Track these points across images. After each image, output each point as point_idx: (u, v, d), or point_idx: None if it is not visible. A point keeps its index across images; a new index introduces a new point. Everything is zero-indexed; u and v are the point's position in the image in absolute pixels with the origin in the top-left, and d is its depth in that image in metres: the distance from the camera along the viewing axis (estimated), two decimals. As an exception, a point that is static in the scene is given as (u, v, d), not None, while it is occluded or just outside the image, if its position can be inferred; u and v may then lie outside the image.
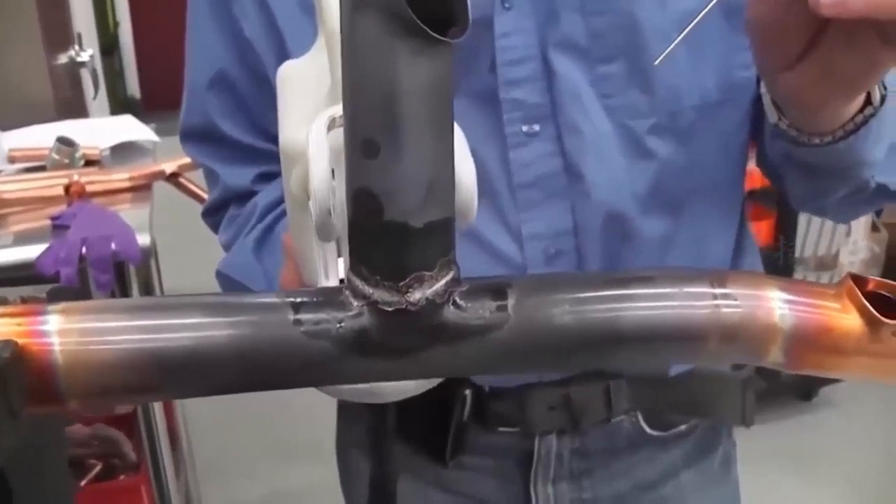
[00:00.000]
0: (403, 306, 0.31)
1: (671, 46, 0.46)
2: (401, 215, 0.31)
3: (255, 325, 0.32)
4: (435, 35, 0.29)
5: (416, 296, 0.31)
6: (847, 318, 0.37)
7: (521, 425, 0.74)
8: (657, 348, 0.33)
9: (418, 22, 0.28)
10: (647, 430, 0.77)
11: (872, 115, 0.55)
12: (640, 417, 0.77)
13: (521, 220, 0.68)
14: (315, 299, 0.33)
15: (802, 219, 2.23)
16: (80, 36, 2.08)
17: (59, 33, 1.92)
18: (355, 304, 0.32)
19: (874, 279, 0.38)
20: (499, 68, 0.65)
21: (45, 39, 1.72)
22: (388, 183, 0.30)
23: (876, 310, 0.37)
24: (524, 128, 0.67)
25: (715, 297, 0.34)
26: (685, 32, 0.46)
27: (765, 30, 0.47)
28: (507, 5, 0.65)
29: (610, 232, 0.68)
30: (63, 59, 1.89)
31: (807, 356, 0.36)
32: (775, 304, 0.35)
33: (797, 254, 2.26)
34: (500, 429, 0.75)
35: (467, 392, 0.73)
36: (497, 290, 0.32)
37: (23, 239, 1.38)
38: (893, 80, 0.63)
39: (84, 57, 1.97)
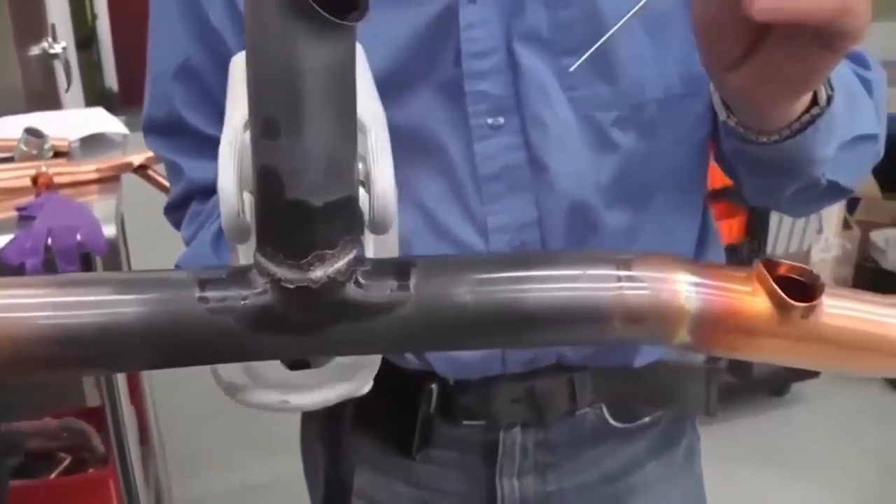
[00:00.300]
0: (305, 284, 0.32)
1: (594, 48, 0.46)
2: (301, 194, 0.31)
3: (162, 301, 0.32)
4: (331, 18, 0.29)
5: (318, 273, 0.32)
6: (756, 301, 0.37)
7: (485, 418, 0.75)
8: (560, 329, 0.34)
9: (314, 6, 0.28)
10: (612, 422, 0.78)
11: (819, 115, 0.56)
12: (605, 409, 0.77)
13: (486, 213, 0.69)
14: (222, 277, 0.33)
15: (774, 216, 2.25)
16: (53, 27, 2.07)
17: (31, 25, 1.91)
18: (260, 281, 0.32)
19: (787, 263, 0.38)
20: (464, 60, 0.66)
21: (15, 31, 1.71)
22: (289, 162, 0.31)
23: (789, 293, 0.37)
24: (489, 120, 0.67)
25: (619, 279, 0.34)
26: (611, 33, 0.46)
27: (707, 30, 0.47)
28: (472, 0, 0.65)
29: (574, 223, 0.69)
30: (35, 50, 1.89)
31: (715, 338, 0.37)
32: (682, 287, 0.36)
33: (768, 250, 2.27)
34: (465, 422, 0.75)
35: (433, 386, 0.74)
36: (400, 269, 0.33)
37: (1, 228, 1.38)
38: (846, 78, 0.64)
39: (57, 49, 1.96)
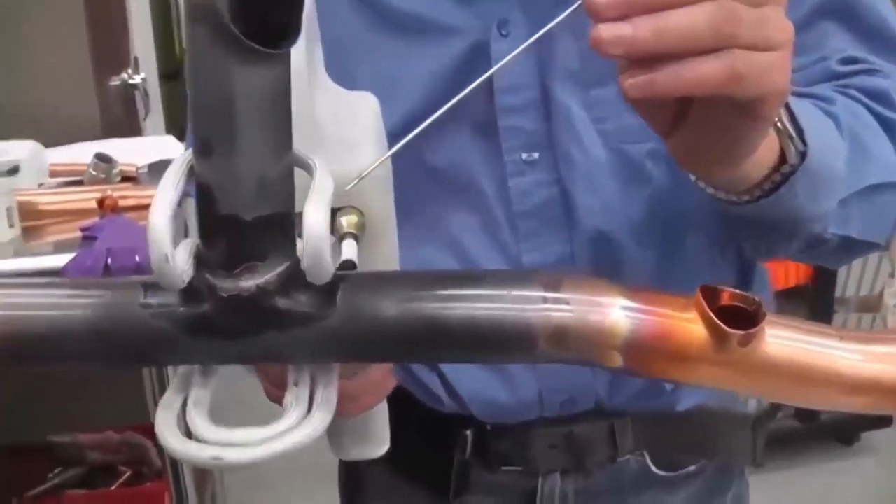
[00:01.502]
0: (236, 292, 0.34)
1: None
2: (232, 209, 0.33)
3: (107, 305, 0.35)
4: (257, 47, 0.31)
5: (248, 283, 0.34)
6: (691, 327, 0.38)
7: (523, 464, 0.74)
8: (483, 346, 0.35)
9: (240, 36, 0.31)
10: (655, 469, 0.76)
11: (792, 173, 0.54)
12: (647, 457, 0.76)
13: (520, 251, 0.69)
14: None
15: (843, 258, 2.17)
16: (136, 60, 2.18)
17: (111, 56, 2.02)
18: (198, 289, 0.35)
19: (730, 291, 0.39)
20: (496, 95, 0.67)
21: (94, 62, 1.81)
22: (220, 179, 0.33)
23: (732, 321, 0.38)
24: (523, 155, 0.68)
25: (545, 300, 0.35)
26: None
27: (635, 103, 0.46)
28: (503, 32, 0.66)
29: (603, 261, 0.69)
30: (115, 80, 1.99)
31: (648, 362, 0.38)
32: (612, 310, 0.37)
33: (837, 293, 2.21)
34: (503, 468, 0.75)
35: (468, 432, 0.74)
36: (331, 282, 0.35)
37: (60, 248, 1.46)
38: (855, 123, 0.61)
39: (137, 80, 2.06)
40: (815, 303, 2.24)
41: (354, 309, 0.34)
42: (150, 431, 1.84)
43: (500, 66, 0.46)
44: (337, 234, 0.44)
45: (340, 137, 0.43)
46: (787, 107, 0.53)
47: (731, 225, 0.64)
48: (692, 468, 0.78)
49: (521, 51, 0.44)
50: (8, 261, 1.32)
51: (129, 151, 1.73)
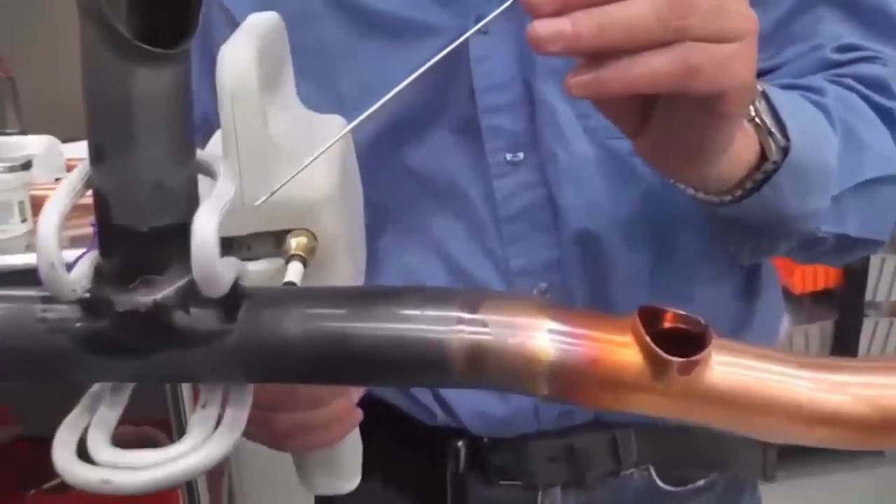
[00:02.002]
0: (133, 308, 0.32)
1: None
2: (127, 218, 0.32)
3: (4, 319, 0.33)
4: (146, 48, 0.30)
5: (144, 298, 0.32)
6: (626, 353, 0.35)
7: (522, 478, 0.72)
8: (392, 369, 0.33)
9: (127, 36, 0.29)
10: (661, 484, 0.74)
11: (775, 171, 0.51)
12: (652, 471, 0.73)
13: (507, 255, 0.67)
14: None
15: (875, 259, 2.10)
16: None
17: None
18: (96, 303, 0.33)
19: (672, 311, 0.36)
20: (477, 94, 0.65)
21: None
22: (114, 187, 0.31)
23: (674, 344, 0.35)
24: (508, 156, 0.66)
25: (461, 321, 0.33)
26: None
27: (597, 102, 0.45)
28: (482, 30, 0.65)
29: (592, 265, 0.67)
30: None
31: (577, 390, 0.35)
32: (535, 333, 0.34)
33: (868, 297, 2.13)
34: (501, 482, 0.72)
35: (460, 443, 0.72)
36: (232, 299, 0.33)
37: (74, 243, 1.47)
38: (849, 115, 0.58)
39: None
40: (845, 306, 2.17)
41: (255, 327, 0.32)
42: (166, 426, 1.85)
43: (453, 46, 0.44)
44: (285, 256, 0.43)
45: (295, 160, 0.42)
46: (768, 100, 0.51)
47: (718, 226, 0.62)
48: (701, 483, 0.75)
49: (449, 50, 0.41)
50: (20, 256, 1.32)
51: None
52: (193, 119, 0.32)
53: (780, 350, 0.38)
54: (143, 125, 0.31)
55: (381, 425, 0.68)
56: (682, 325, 0.36)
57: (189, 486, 1.61)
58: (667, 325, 0.36)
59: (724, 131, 0.44)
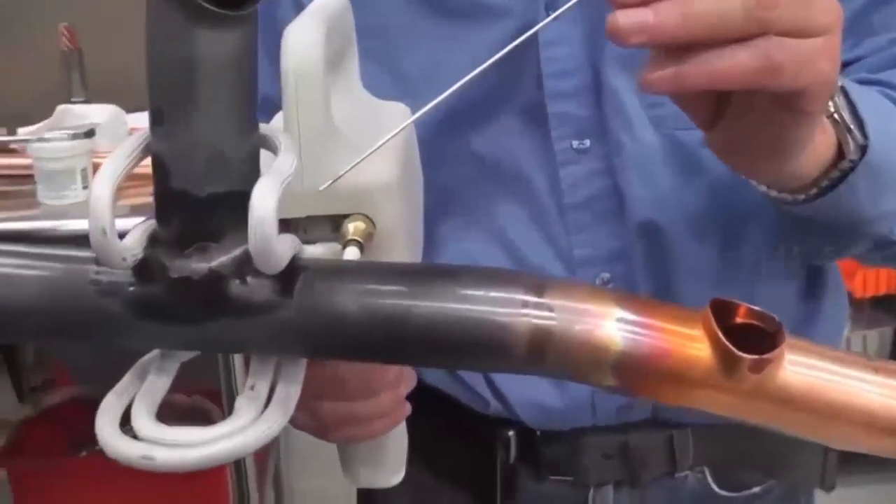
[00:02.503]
0: (187, 274, 0.31)
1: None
2: (185, 183, 0.31)
3: (57, 278, 0.33)
4: (212, 8, 0.29)
5: (199, 265, 0.31)
6: (697, 348, 0.34)
7: (574, 474, 0.70)
8: (450, 350, 0.32)
9: (193, -6, 0.28)
10: (716, 489, 0.72)
11: (851, 169, 0.49)
12: (708, 474, 0.71)
13: (571, 244, 0.66)
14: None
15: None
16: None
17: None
18: (150, 268, 0.32)
19: (746, 307, 0.34)
20: (545, 79, 0.63)
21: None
22: (172, 150, 0.31)
23: (746, 341, 0.33)
24: (574, 143, 0.64)
25: (525, 304, 0.32)
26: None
27: (673, 95, 0.43)
28: (551, 12, 0.63)
29: (657, 257, 0.65)
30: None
31: (645, 384, 0.34)
32: (603, 322, 0.33)
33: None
34: (552, 477, 0.71)
35: (510, 433, 0.71)
36: (289, 271, 0.32)
37: (136, 211, 1.48)
38: None
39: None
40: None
41: (311, 301, 0.31)
42: (216, 397, 1.87)
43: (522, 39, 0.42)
44: (342, 241, 0.42)
45: (356, 145, 0.41)
46: (847, 95, 0.48)
47: (788, 224, 0.60)
48: (757, 489, 0.73)
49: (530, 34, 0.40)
50: (81, 221, 1.33)
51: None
52: (256, 87, 0.31)
53: (854, 353, 0.36)
54: (204, 89, 0.30)
55: (430, 412, 0.67)
56: (755, 321, 0.34)
57: (237, 464, 1.62)
58: (739, 320, 0.34)
59: (802, 128, 0.42)
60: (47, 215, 1.34)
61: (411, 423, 0.63)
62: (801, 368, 0.34)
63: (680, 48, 0.36)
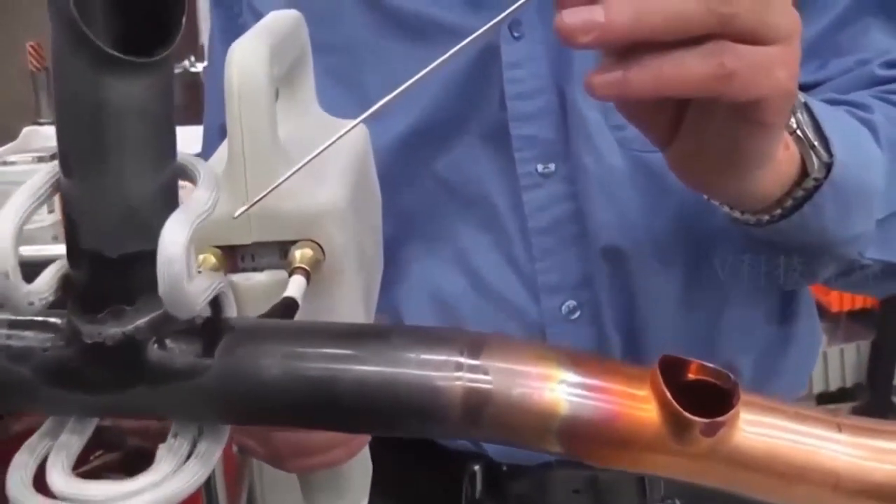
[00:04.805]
0: (101, 340, 0.29)
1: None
2: (94, 243, 0.29)
3: (-35, 341, 0.31)
4: (118, 55, 0.27)
5: (112, 330, 0.29)
6: (645, 410, 0.32)
7: None
8: (381, 416, 0.30)
9: (96, 42, 0.26)
10: None
11: (816, 188, 0.48)
12: None
13: (535, 271, 0.64)
14: (36, 321, 0.31)
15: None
16: (203, 48, 2.17)
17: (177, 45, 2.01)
18: (65, 332, 0.30)
19: (697, 363, 0.33)
20: (509, 102, 0.62)
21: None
22: (82, 207, 0.29)
23: (698, 399, 0.32)
24: (539, 167, 0.63)
25: (459, 366, 0.30)
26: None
27: (625, 106, 0.41)
28: (516, 34, 0.62)
29: (622, 282, 0.64)
30: (178, 68, 1.99)
31: (591, 448, 0.32)
32: (545, 384, 0.31)
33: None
34: None
35: (476, 467, 0.69)
36: (211, 333, 0.30)
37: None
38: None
39: (199, 68, 2.06)
40: (882, 326, 2.09)
41: (233, 366, 0.29)
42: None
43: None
44: (288, 269, 0.40)
45: (310, 167, 0.39)
46: (811, 112, 0.47)
47: (754, 247, 0.58)
48: None
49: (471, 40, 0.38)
50: (46, 246, 1.31)
51: (190, 139, 1.72)
52: (175, 135, 0.29)
53: (816, 410, 0.34)
54: (114, 140, 0.28)
55: (395, 444, 0.65)
56: (709, 378, 0.33)
57: (207, 484, 1.60)
58: (691, 376, 0.33)
59: (761, 142, 0.41)
60: (11, 240, 1.32)
61: (376, 455, 0.61)
62: (758, 428, 0.32)
63: (630, 53, 0.34)
